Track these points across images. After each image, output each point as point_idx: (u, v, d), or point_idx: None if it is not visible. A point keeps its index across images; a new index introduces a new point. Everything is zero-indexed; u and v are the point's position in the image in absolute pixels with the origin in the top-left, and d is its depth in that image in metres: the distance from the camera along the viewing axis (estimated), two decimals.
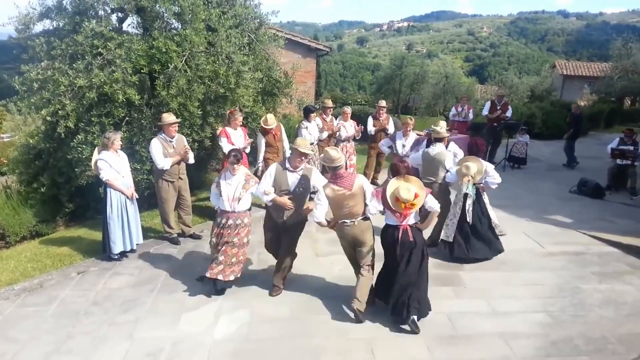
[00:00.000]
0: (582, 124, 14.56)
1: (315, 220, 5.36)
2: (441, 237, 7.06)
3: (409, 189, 5.11)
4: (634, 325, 5.35)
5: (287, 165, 5.66)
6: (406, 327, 5.15)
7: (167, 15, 8.33)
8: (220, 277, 5.74)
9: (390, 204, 5.19)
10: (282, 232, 5.87)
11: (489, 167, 6.87)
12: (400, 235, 5.23)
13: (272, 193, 5.56)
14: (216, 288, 5.90)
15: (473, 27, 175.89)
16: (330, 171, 5.43)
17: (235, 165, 5.65)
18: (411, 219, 5.30)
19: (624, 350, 4.89)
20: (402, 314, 5.13)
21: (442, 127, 7.25)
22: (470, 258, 6.77)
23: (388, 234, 5.36)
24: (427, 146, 7.52)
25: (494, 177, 6.79)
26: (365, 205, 5.38)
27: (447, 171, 7.01)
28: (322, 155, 5.72)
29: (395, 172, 5.49)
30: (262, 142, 8.49)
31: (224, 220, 5.73)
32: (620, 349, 4.91)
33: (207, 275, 5.75)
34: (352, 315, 5.39)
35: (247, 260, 6.45)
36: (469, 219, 6.69)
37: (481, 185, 6.84)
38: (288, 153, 8.63)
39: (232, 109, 8.21)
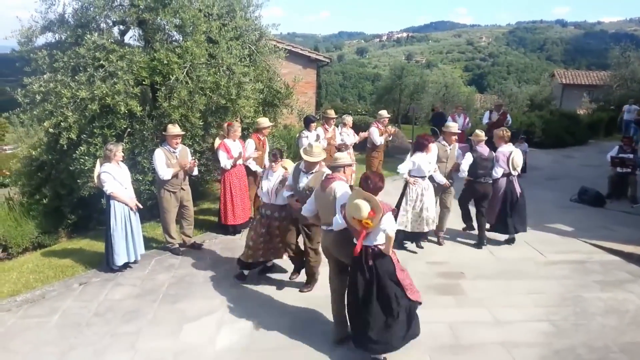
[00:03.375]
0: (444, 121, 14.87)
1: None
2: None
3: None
4: (636, 334, 5.34)
5: (302, 167, 5.87)
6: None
7: (168, 28, 8.38)
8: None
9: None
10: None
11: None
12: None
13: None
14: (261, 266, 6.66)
15: (472, 37, 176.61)
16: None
17: (274, 164, 6.24)
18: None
19: (627, 359, 4.89)
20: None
21: (482, 133, 7.90)
22: None
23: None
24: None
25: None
26: None
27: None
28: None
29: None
30: (252, 149, 8.34)
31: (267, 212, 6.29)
32: (623, 358, 4.91)
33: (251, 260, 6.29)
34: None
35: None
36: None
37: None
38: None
39: (230, 121, 8.21)
